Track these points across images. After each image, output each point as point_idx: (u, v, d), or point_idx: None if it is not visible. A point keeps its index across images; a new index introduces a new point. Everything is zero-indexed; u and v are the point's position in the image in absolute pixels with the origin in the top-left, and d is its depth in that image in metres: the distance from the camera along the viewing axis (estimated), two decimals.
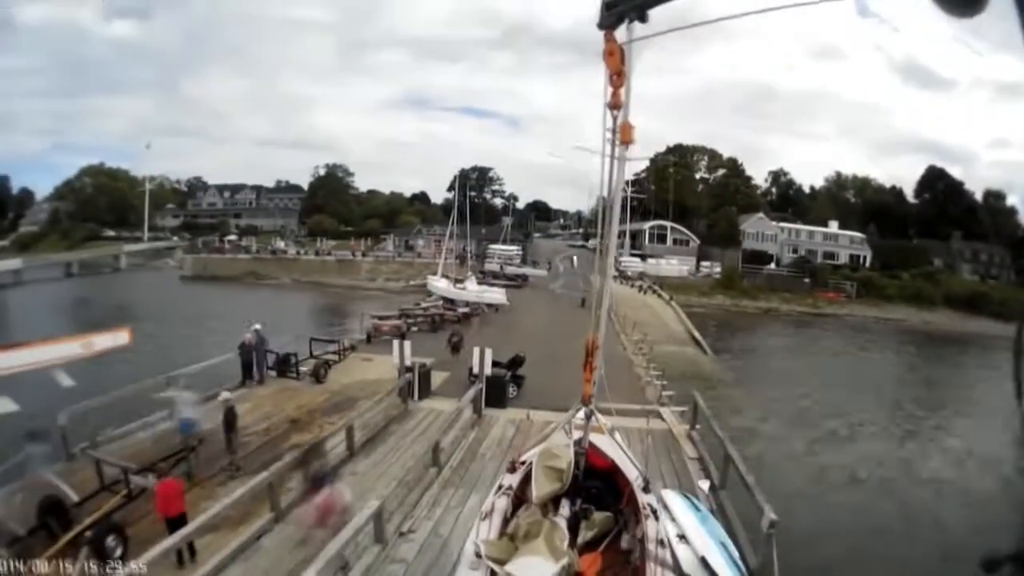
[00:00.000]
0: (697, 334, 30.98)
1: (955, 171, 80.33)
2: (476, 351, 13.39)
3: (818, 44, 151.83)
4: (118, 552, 6.74)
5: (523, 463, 5.71)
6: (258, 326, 15.12)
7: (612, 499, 5.60)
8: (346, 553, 6.54)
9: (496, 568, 4.06)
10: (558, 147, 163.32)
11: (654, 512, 5.03)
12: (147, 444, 9.96)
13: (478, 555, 4.22)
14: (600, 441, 6.02)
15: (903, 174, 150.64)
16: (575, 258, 52.83)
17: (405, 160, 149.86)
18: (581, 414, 5.93)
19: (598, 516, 5.06)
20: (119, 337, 9.14)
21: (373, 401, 12.08)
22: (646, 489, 5.41)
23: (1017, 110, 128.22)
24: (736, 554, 6.90)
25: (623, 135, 4.74)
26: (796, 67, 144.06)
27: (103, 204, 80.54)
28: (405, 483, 8.87)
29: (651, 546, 4.52)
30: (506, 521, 4.87)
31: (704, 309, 43.83)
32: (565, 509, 5.09)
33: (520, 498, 5.30)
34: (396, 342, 13.98)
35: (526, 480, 5.38)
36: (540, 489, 5.04)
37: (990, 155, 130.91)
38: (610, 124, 4.80)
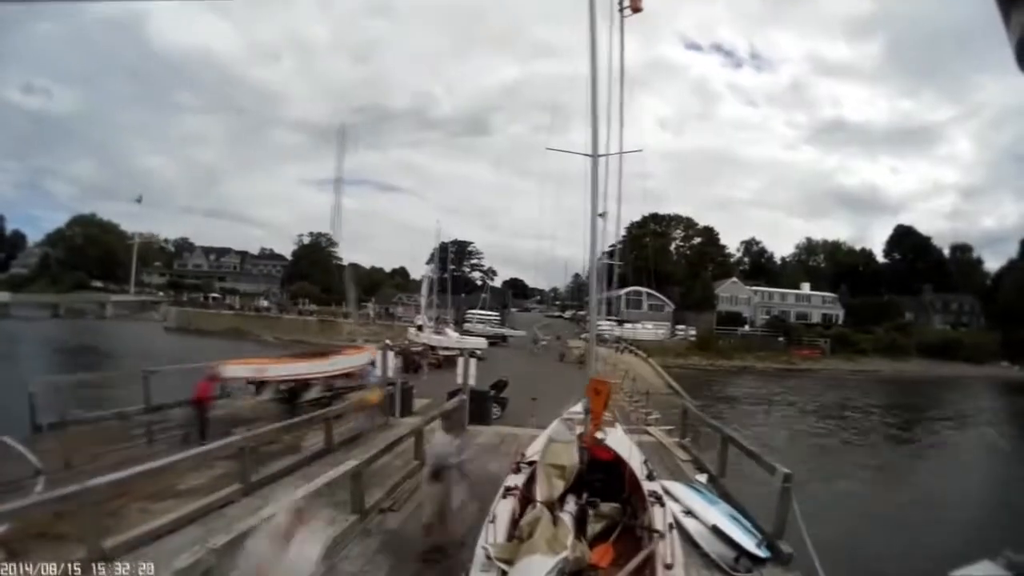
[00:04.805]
0: (675, 384, 30.88)
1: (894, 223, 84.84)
2: (460, 362, 13.13)
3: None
4: None
5: (527, 463, 5.72)
6: None
7: (617, 490, 5.61)
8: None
9: (507, 569, 3.99)
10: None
11: (659, 499, 5.09)
12: (115, 429, 9.48)
13: (488, 558, 4.14)
14: (601, 434, 6.11)
15: (841, 230, 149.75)
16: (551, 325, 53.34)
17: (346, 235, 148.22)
18: (580, 407, 6.05)
19: (605, 508, 5.08)
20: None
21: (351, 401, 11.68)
22: (650, 477, 5.54)
23: (943, 153, 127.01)
24: (748, 524, 6.72)
25: (633, 3, 5.03)
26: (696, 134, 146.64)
27: (92, 255, 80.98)
28: (387, 470, 8.46)
29: (659, 533, 4.55)
30: (514, 522, 4.79)
31: (681, 369, 43.69)
32: (571, 504, 5.08)
33: (526, 497, 5.25)
34: (379, 353, 13.69)
35: (531, 479, 5.41)
36: (546, 487, 5.08)
37: (928, 204, 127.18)
38: None
